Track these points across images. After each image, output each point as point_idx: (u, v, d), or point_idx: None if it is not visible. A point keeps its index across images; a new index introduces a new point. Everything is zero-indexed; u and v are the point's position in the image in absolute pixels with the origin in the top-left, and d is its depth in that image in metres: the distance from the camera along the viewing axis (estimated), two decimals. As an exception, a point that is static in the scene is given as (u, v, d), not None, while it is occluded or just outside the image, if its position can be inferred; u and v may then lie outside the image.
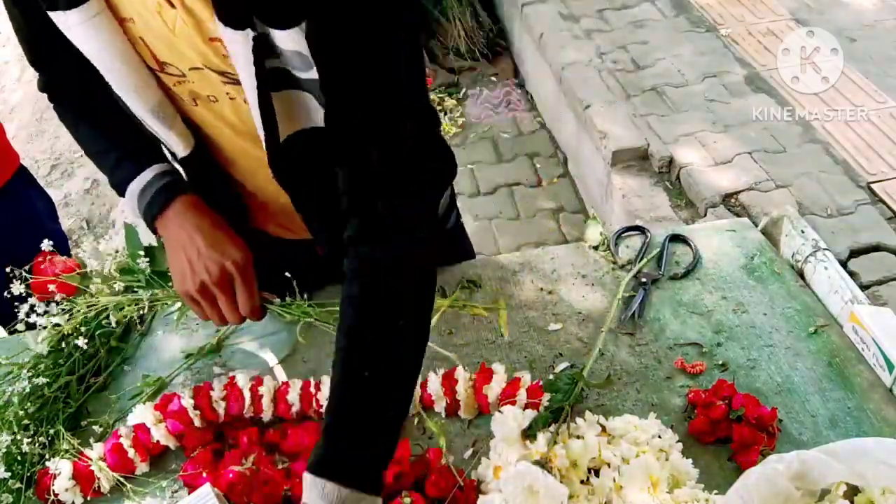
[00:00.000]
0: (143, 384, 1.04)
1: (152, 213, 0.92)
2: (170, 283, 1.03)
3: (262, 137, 0.80)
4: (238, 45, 0.72)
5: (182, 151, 0.90)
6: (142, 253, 1.09)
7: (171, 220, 0.92)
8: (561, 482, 0.85)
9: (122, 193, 0.95)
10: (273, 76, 0.76)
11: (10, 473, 0.90)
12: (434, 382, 0.97)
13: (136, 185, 0.93)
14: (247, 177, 0.98)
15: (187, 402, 0.96)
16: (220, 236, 0.90)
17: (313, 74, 0.75)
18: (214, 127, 0.89)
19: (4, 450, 0.91)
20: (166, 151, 0.94)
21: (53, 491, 0.90)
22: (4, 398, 0.97)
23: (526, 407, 0.95)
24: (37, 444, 0.92)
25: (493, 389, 0.96)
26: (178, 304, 1.11)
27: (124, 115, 0.88)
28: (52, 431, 0.95)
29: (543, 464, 0.85)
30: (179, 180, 0.94)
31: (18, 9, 0.85)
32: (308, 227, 1.00)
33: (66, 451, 0.93)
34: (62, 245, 1.59)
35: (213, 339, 1.11)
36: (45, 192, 1.56)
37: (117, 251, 1.20)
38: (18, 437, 0.92)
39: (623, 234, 1.27)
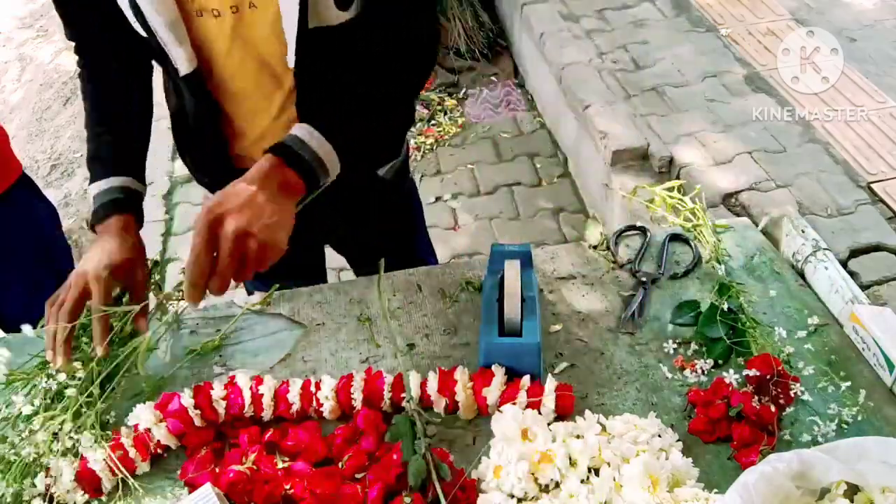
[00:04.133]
0: (145, 384, 1.04)
1: (93, 220, 1.06)
2: None
3: (293, 24, 0.94)
4: None
5: (185, 69, 1.00)
6: None
7: (100, 230, 1.05)
8: (561, 482, 0.86)
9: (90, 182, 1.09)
10: None
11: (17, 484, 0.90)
12: (433, 382, 0.98)
13: (93, 189, 1.08)
14: (239, 97, 1.08)
15: (187, 401, 0.96)
16: (106, 254, 1.00)
17: None
18: (216, 42, 1.00)
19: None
20: (178, 62, 1.01)
21: (54, 491, 0.90)
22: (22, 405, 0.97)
23: (526, 407, 0.95)
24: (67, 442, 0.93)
25: (493, 393, 0.96)
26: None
27: (121, 107, 1.08)
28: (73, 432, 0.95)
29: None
30: (122, 200, 1.06)
31: None
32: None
33: (96, 442, 0.93)
34: (64, 253, 1.59)
35: (215, 339, 1.11)
36: (47, 199, 1.56)
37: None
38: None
39: (623, 234, 1.27)
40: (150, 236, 2.84)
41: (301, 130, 0.95)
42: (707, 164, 2.49)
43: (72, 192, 3.23)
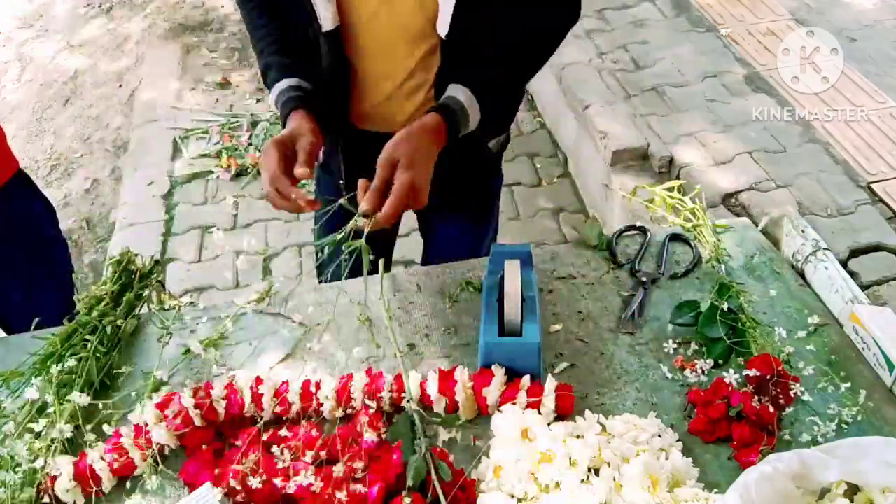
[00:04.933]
0: (146, 384, 1.04)
1: (282, 115, 1.14)
2: None
3: None
4: None
5: (329, 26, 1.09)
6: None
7: (290, 120, 1.11)
8: (561, 482, 0.86)
9: (267, 85, 1.19)
10: None
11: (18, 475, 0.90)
12: (433, 382, 0.97)
13: (273, 93, 1.16)
14: (371, 60, 1.16)
15: (187, 401, 0.96)
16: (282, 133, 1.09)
17: None
18: (363, 5, 1.08)
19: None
20: (322, 18, 1.08)
21: (53, 491, 0.90)
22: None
23: (526, 407, 0.95)
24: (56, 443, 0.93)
25: (493, 392, 0.96)
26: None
27: (284, 25, 1.16)
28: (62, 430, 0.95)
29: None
30: (298, 97, 1.13)
31: None
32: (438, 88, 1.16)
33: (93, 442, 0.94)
34: (63, 253, 1.59)
35: (212, 337, 1.11)
36: (46, 198, 1.55)
37: (112, 258, 1.20)
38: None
39: (623, 234, 1.27)
40: (150, 236, 2.84)
41: (461, 94, 1.09)
42: (707, 164, 2.49)
43: (72, 192, 3.23)
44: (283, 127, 1.12)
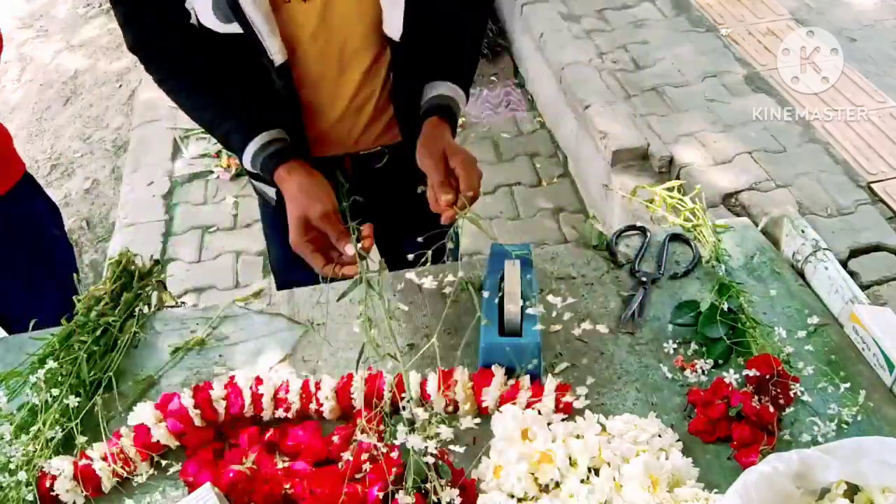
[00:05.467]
0: (134, 383, 1.04)
1: (268, 171, 1.09)
2: None
3: None
4: None
5: (280, 59, 1.04)
6: None
7: (283, 176, 1.07)
8: (561, 482, 0.86)
9: (239, 156, 1.12)
10: None
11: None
12: (433, 382, 0.97)
13: (249, 151, 1.09)
14: (318, 83, 1.12)
15: (187, 401, 0.96)
16: (315, 193, 1.04)
17: None
18: (302, 29, 1.04)
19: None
20: (272, 53, 1.03)
21: (53, 491, 0.90)
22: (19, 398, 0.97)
23: (526, 407, 0.95)
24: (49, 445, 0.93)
25: (493, 393, 0.96)
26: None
27: (218, 80, 1.09)
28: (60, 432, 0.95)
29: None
30: (285, 149, 1.10)
31: None
32: (396, 106, 1.17)
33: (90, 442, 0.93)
34: (65, 253, 1.59)
35: (204, 334, 1.11)
36: (51, 200, 1.56)
37: (111, 259, 1.20)
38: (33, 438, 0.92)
39: (623, 234, 1.27)
40: (150, 236, 2.84)
41: (444, 88, 1.13)
42: (707, 164, 2.49)
43: (72, 192, 3.23)
44: (271, 182, 1.09)
